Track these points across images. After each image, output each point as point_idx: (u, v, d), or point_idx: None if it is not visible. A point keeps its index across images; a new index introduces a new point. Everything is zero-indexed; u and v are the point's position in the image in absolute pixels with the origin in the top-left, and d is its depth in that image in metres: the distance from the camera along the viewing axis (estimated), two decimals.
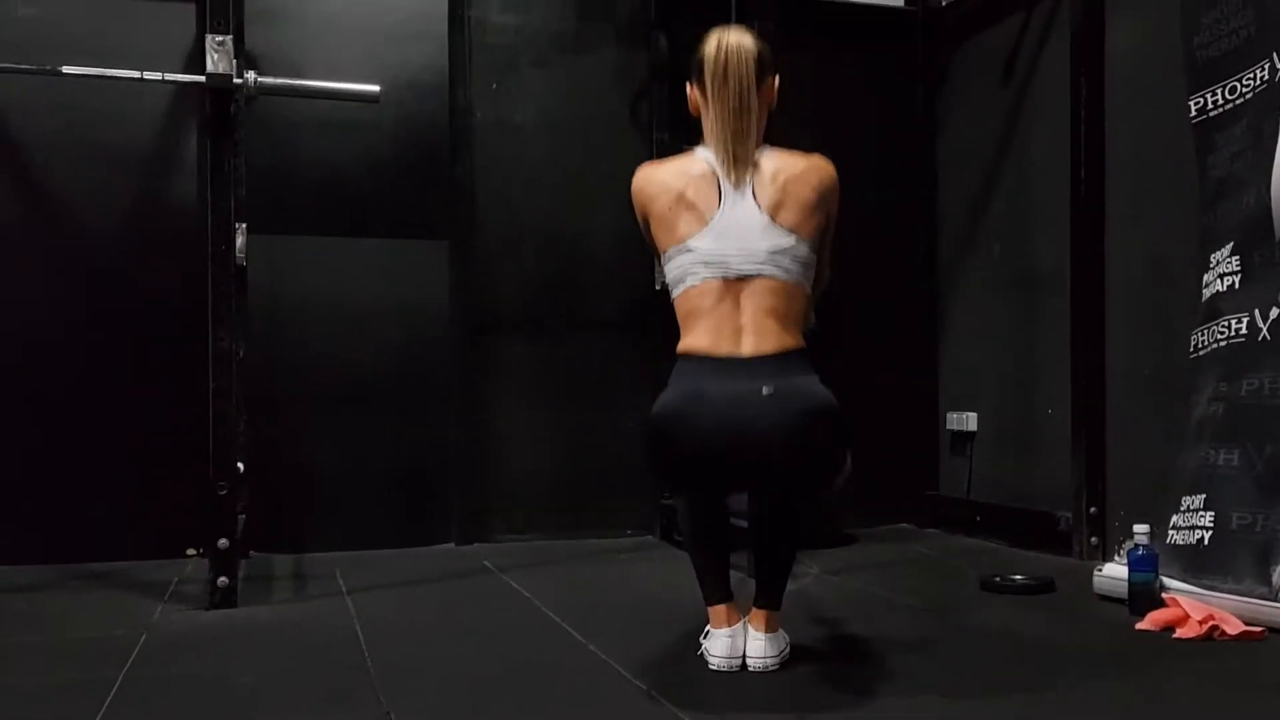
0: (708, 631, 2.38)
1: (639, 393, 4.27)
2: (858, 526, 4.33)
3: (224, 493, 2.95)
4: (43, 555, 3.64)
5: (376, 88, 3.23)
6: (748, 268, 2.25)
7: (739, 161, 2.29)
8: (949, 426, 4.50)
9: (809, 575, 3.47)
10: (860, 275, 4.42)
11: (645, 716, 2.03)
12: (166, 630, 2.73)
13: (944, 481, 4.56)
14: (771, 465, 2.24)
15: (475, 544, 4.12)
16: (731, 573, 2.39)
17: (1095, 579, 3.08)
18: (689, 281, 2.29)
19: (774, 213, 2.27)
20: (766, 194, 2.28)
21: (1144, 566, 2.85)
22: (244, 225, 3.77)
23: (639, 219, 2.41)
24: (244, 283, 3.79)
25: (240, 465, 3.68)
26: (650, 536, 4.31)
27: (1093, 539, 3.65)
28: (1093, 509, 3.66)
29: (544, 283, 4.30)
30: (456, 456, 4.15)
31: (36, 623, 2.85)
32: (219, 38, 2.97)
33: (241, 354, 3.75)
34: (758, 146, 2.32)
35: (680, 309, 2.33)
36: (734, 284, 2.26)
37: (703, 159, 2.34)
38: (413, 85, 4.12)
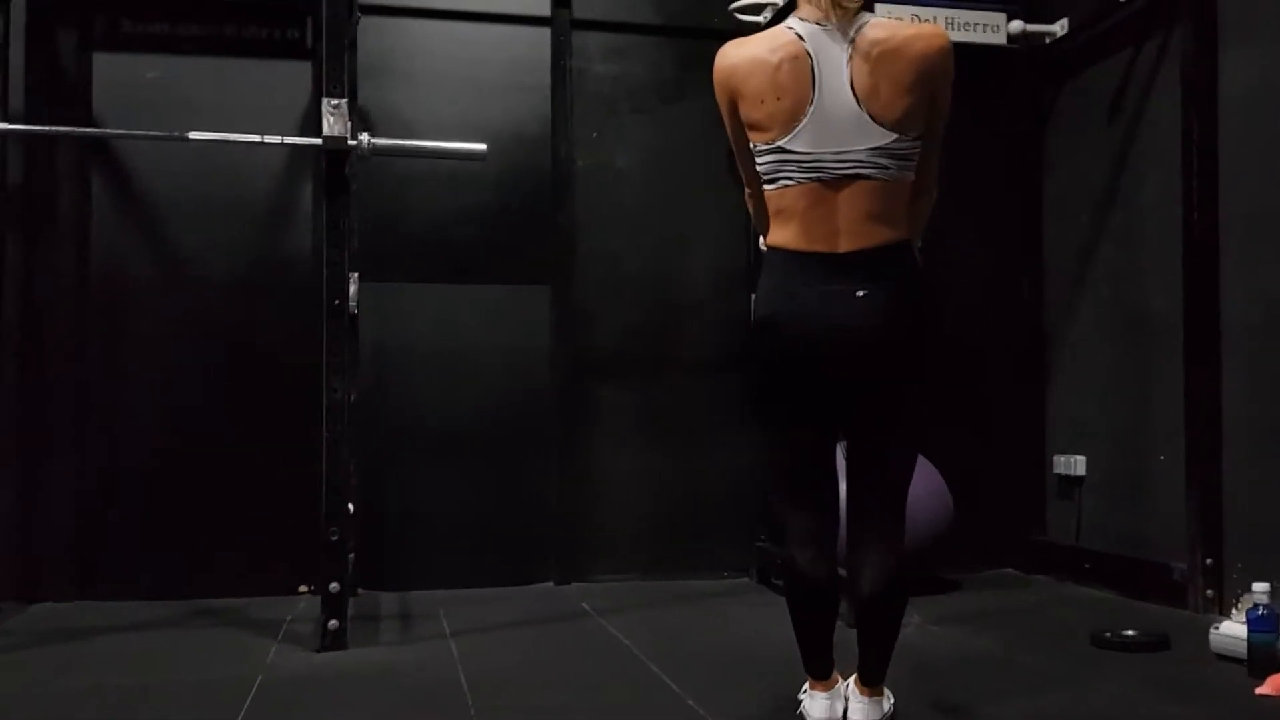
0: (806, 690, 2.36)
1: (735, 434, 4.30)
2: (960, 571, 4.27)
3: (335, 538, 3.05)
4: (162, 591, 3.80)
5: (483, 146, 3.32)
6: (845, 170, 2.10)
7: (839, 6, 2.09)
8: (1056, 470, 4.39)
9: (910, 625, 3.42)
10: (967, 315, 4.39)
11: None
12: (281, 673, 2.83)
13: (1051, 526, 4.45)
14: (864, 365, 2.12)
15: (573, 583, 4.17)
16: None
17: (1212, 637, 2.98)
18: (782, 182, 2.15)
19: (869, 102, 2.08)
20: (862, 77, 2.08)
21: (1264, 627, 2.75)
22: (356, 275, 3.90)
23: (724, 108, 2.21)
24: (356, 330, 3.91)
25: (350, 507, 3.80)
26: (747, 579, 4.30)
27: (1208, 591, 3.53)
28: (1208, 560, 3.53)
29: (642, 326, 4.36)
30: (557, 497, 4.22)
31: (159, 663, 2.98)
32: (334, 101, 3.10)
33: (353, 398, 3.88)
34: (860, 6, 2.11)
35: (772, 205, 2.19)
36: (830, 186, 2.11)
37: (793, 31, 2.13)
38: (516, 135, 4.23)
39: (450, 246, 4.18)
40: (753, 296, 2.26)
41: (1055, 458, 4.40)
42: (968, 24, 4.25)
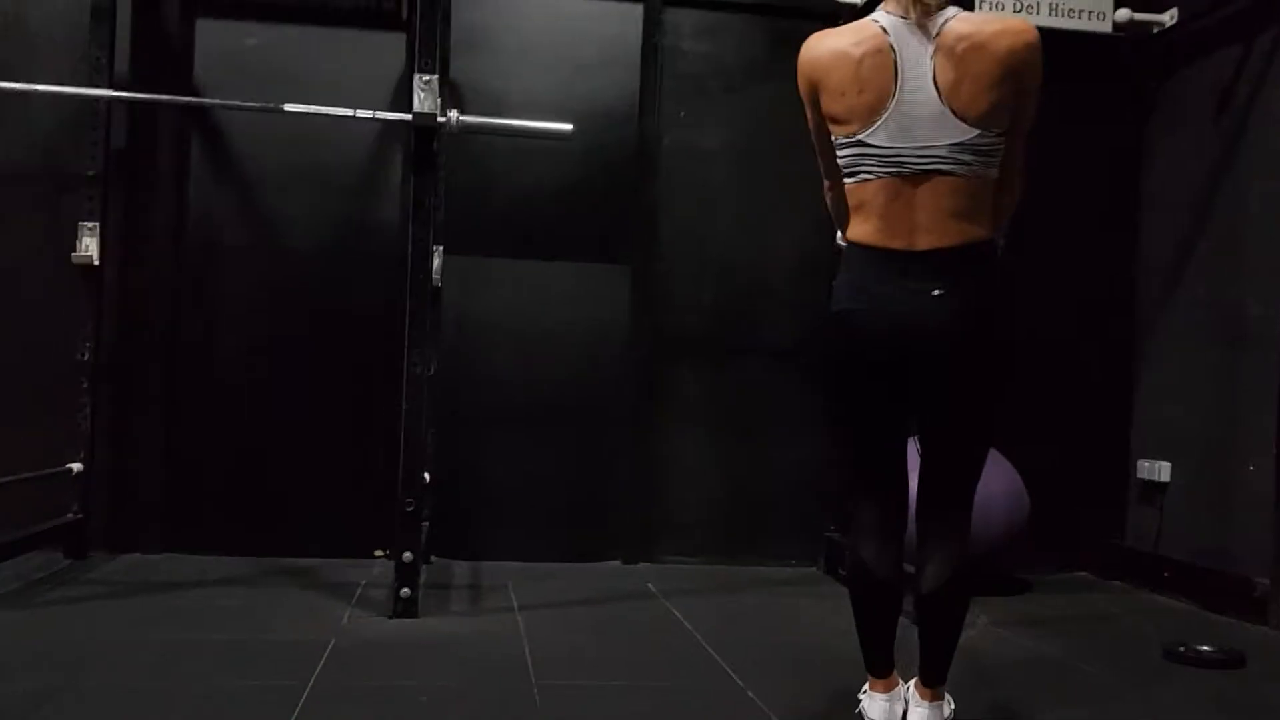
0: (866, 690, 2.36)
1: (809, 422, 4.28)
2: (1034, 571, 4.21)
3: (410, 508, 3.12)
4: (245, 548, 3.93)
5: (569, 127, 3.34)
6: (925, 165, 2.07)
7: (921, 3, 2.06)
8: (1139, 475, 4.30)
9: (977, 625, 3.39)
10: (1055, 309, 4.31)
11: None
12: (352, 638, 2.91)
13: (1131, 532, 4.36)
14: (939, 363, 2.10)
15: (641, 563, 4.21)
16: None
17: None
18: (861, 175, 2.13)
19: (952, 97, 2.05)
20: (946, 72, 2.05)
21: None
22: (440, 248, 3.97)
23: (805, 99, 2.19)
24: (438, 302, 3.98)
25: (426, 476, 3.89)
26: (814, 569, 4.29)
27: None
28: None
29: (721, 309, 4.35)
30: (629, 476, 4.25)
31: (238, 621, 3.09)
32: (426, 77, 3.14)
33: (433, 370, 3.96)
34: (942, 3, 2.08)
35: (852, 199, 2.17)
36: (910, 181, 2.09)
37: (878, 24, 2.11)
38: (604, 113, 4.23)
39: (533, 222, 4.21)
40: (832, 288, 2.25)
41: (1140, 462, 4.30)
42: (1073, 10, 4.14)
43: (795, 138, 4.29)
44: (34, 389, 3.85)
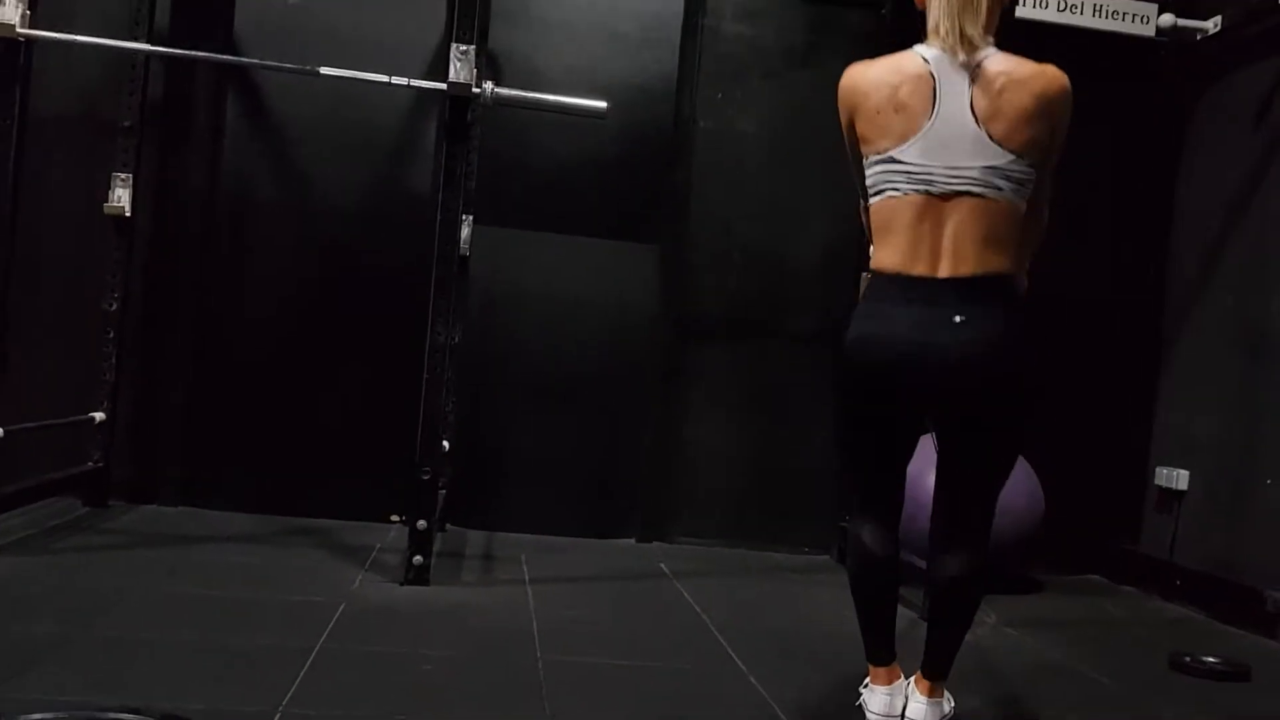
0: (867, 683, 2.37)
1: (827, 413, 4.25)
2: (1046, 573, 4.20)
3: (427, 477, 3.14)
4: (262, 506, 3.97)
5: (604, 104, 3.33)
6: (955, 185, 2.08)
7: (966, 40, 2.08)
8: (1157, 482, 4.27)
9: (985, 624, 3.39)
10: (1081, 310, 4.28)
11: None
12: (363, 602, 2.95)
13: (1145, 538, 4.34)
14: (956, 393, 2.11)
15: (654, 542, 4.23)
16: (902, 610, 2.36)
17: None
18: (888, 193, 2.13)
19: (989, 124, 2.07)
20: (984, 102, 2.08)
21: None
22: (470, 217, 3.98)
23: (843, 124, 2.23)
24: (466, 271, 3.99)
25: (445, 445, 3.92)
26: (827, 557, 4.30)
27: None
28: None
29: (748, 293, 4.34)
30: (647, 455, 4.26)
31: (251, 578, 3.13)
32: (463, 47, 3.14)
33: (457, 339, 3.98)
34: (987, 33, 2.12)
35: (876, 220, 2.18)
36: (937, 201, 2.09)
37: (919, 55, 2.14)
38: (641, 90, 4.22)
39: (564, 197, 4.21)
40: (852, 316, 2.26)
41: (1158, 469, 4.28)
42: (1116, 12, 4.09)
43: (830, 127, 4.25)
44: (62, 337, 3.90)
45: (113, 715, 1.84)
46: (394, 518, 4.05)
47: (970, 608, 2.31)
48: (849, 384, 2.24)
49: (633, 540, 4.23)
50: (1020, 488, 3.80)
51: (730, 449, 4.33)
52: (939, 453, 2.28)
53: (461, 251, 3.95)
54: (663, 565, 3.85)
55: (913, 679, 2.33)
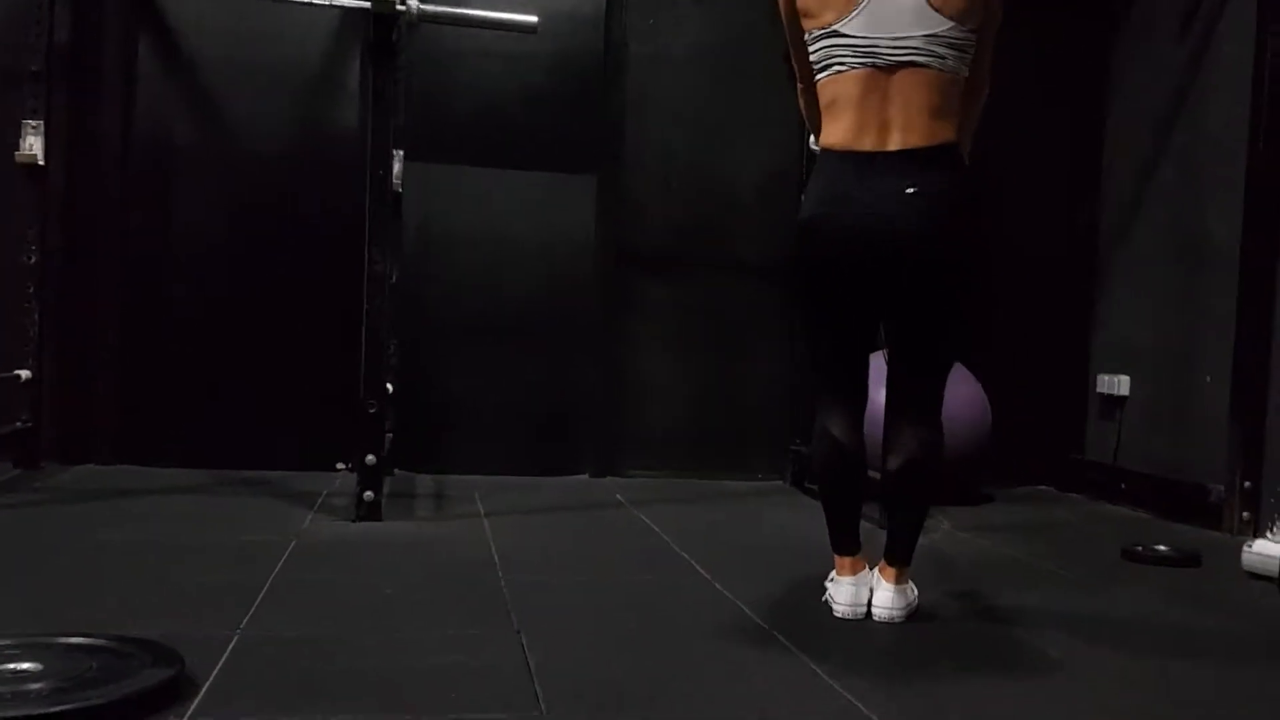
0: (832, 577, 2.37)
1: (776, 337, 4.27)
2: (994, 486, 4.25)
3: (373, 410, 3.06)
4: (202, 461, 3.86)
5: (534, 19, 3.25)
6: (900, 56, 2.11)
7: None
8: (1099, 389, 4.34)
9: (940, 530, 3.42)
10: (1018, 227, 4.31)
11: (770, 659, 2.04)
12: (314, 539, 2.88)
13: (1090, 446, 4.41)
14: (907, 266, 2.13)
15: (608, 477, 4.19)
16: (862, 523, 2.37)
17: (1244, 555, 2.94)
18: (834, 68, 2.15)
19: None
20: None
21: None
22: (401, 152, 3.87)
23: (782, 3, 2.24)
24: (399, 209, 3.90)
25: (389, 387, 3.83)
26: (781, 482, 4.30)
27: (1244, 514, 3.50)
28: (1247, 483, 3.49)
29: (689, 222, 4.30)
30: (596, 390, 4.22)
31: (199, 525, 3.04)
32: None
33: (395, 278, 3.88)
34: None
35: (823, 97, 2.20)
36: (883, 74, 2.12)
37: None
38: (571, 16, 4.14)
39: (497, 129, 4.12)
40: (802, 198, 2.26)
41: (1099, 377, 4.34)
42: None
43: (765, 50, 4.26)
44: None
45: (64, 640, 1.75)
46: (341, 466, 3.97)
47: (929, 487, 2.34)
48: (806, 266, 2.24)
49: (586, 476, 4.20)
50: (967, 398, 3.84)
51: (679, 381, 4.31)
52: (892, 332, 2.29)
53: (395, 187, 3.86)
54: (619, 496, 3.82)
55: (877, 568, 2.35)
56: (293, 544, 2.78)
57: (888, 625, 2.27)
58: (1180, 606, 2.62)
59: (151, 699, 1.56)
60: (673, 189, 4.26)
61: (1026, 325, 4.41)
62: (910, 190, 2.11)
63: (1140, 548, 3.13)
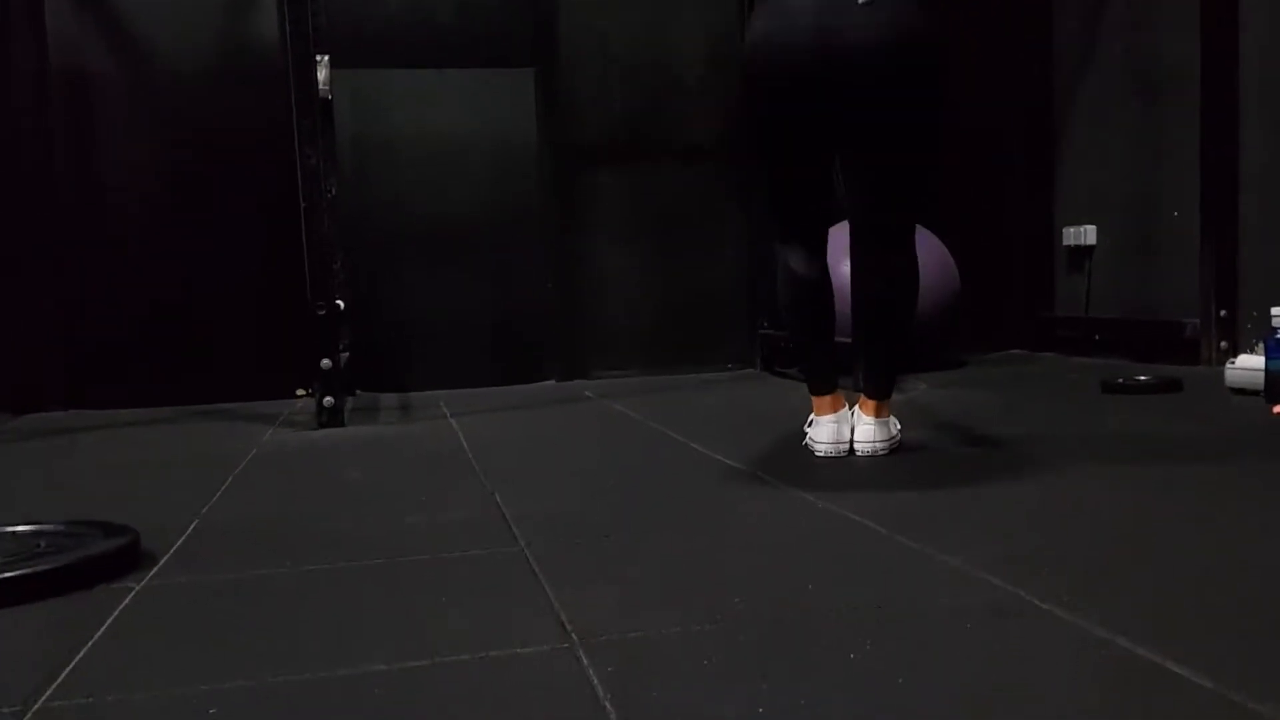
0: (812, 420, 2.29)
1: (733, 223, 4.17)
2: (966, 352, 4.19)
3: (322, 312, 2.95)
4: (155, 399, 3.72)
5: None
6: None
7: None
8: (1065, 242, 4.28)
9: (918, 389, 3.36)
10: (972, 83, 4.21)
11: (758, 493, 1.97)
12: (276, 448, 2.77)
13: (1060, 302, 4.36)
14: (862, 82, 2.00)
15: (576, 380, 4.10)
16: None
17: (1228, 372, 2.91)
18: None
19: None
20: None
21: None
22: (326, 57, 3.71)
23: None
24: (330, 117, 3.75)
25: (340, 303, 3.70)
26: (751, 370, 4.23)
27: (1222, 343, 3.46)
28: (1223, 312, 3.46)
29: (632, 110, 4.17)
30: (554, 294, 4.10)
31: (154, 446, 2.92)
32: None
33: (334, 191, 3.74)
34: None
35: None
36: None
37: None
38: None
39: (424, 28, 3.96)
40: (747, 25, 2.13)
41: (1065, 229, 4.28)
42: None
43: None
44: None
45: (9, 529, 1.64)
46: (300, 391, 3.84)
47: (901, 319, 2.24)
48: (756, 90, 2.12)
49: (553, 381, 4.10)
50: (934, 260, 3.76)
51: (639, 276, 4.20)
52: (851, 160, 2.18)
53: (322, 94, 3.71)
54: (589, 393, 3.73)
55: (857, 405, 2.27)
56: (254, 452, 2.68)
57: (870, 459, 2.20)
58: (1164, 423, 2.58)
59: (105, 565, 1.46)
60: (615, 77, 4.12)
61: (990, 183, 4.34)
62: (862, 1, 1.97)
63: (1121, 380, 3.09)
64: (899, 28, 2.00)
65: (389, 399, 3.79)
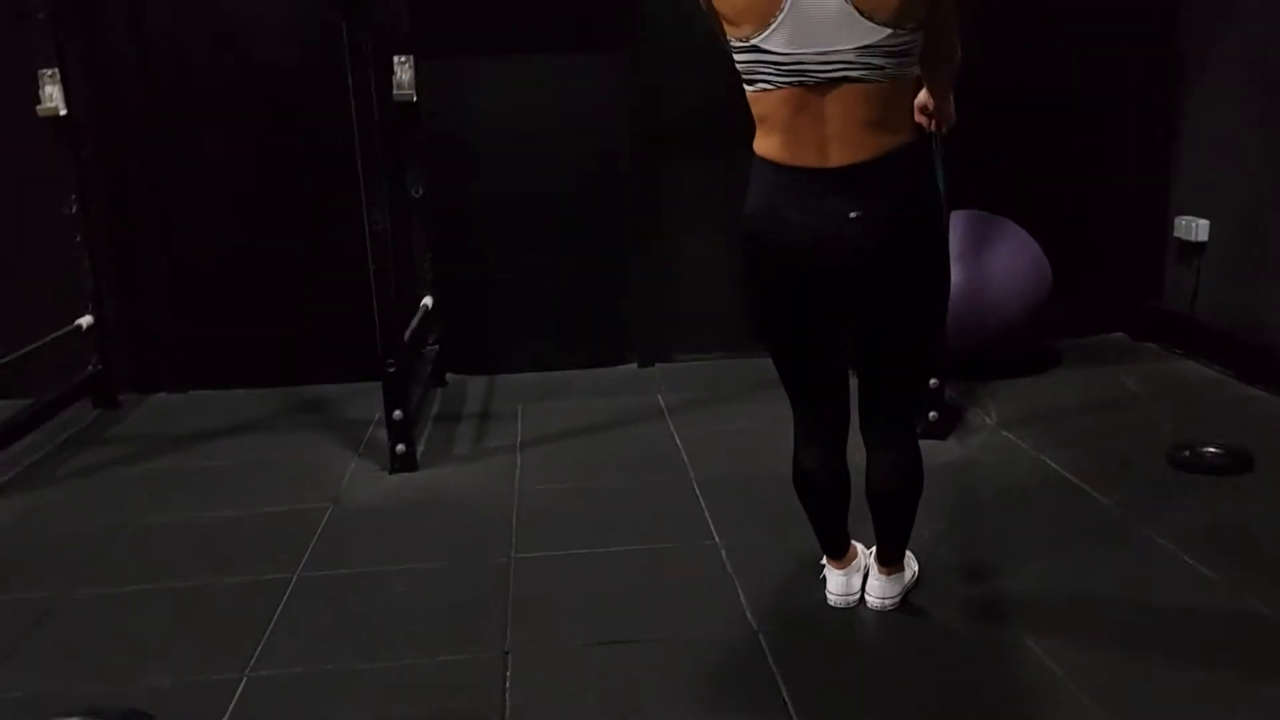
0: (825, 565, 2.36)
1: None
2: (1069, 335, 4.09)
3: (392, 370, 3.10)
4: (262, 379, 4.02)
5: None
6: (830, 72, 1.83)
7: None
8: (1176, 234, 4.04)
9: (984, 428, 3.33)
10: (1089, 59, 3.96)
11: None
12: (349, 503, 2.99)
13: (1167, 294, 4.15)
14: (856, 279, 1.95)
15: (657, 365, 4.18)
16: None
17: None
18: (760, 85, 1.90)
19: None
20: None
21: None
22: (410, 58, 3.75)
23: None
24: (416, 118, 3.82)
25: (428, 302, 3.88)
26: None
27: None
28: None
29: (720, 96, 4.01)
30: (640, 277, 4.13)
31: (240, 492, 3.11)
32: None
33: (420, 192, 3.85)
34: None
35: (754, 108, 1.95)
36: (814, 92, 1.84)
37: None
38: None
39: (509, 14, 3.89)
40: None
41: (1177, 220, 4.03)
42: None
43: None
44: (31, 250, 3.84)
45: None
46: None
47: (909, 507, 2.25)
48: (755, 278, 2.07)
49: (635, 366, 4.19)
50: (1025, 261, 3.66)
51: (721, 262, 4.15)
52: (855, 345, 2.16)
53: (405, 96, 3.76)
54: (660, 398, 3.79)
55: (873, 550, 2.31)
56: (329, 511, 2.91)
57: (879, 614, 2.27)
58: (1226, 533, 2.52)
59: None
60: (705, 62, 3.95)
61: (1102, 165, 4.11)
62: (853, 215, 1.89)
63: (1188, 451, 2.99)
64: (891, 235, 1.93)
65: (475, 390, 3.97)
